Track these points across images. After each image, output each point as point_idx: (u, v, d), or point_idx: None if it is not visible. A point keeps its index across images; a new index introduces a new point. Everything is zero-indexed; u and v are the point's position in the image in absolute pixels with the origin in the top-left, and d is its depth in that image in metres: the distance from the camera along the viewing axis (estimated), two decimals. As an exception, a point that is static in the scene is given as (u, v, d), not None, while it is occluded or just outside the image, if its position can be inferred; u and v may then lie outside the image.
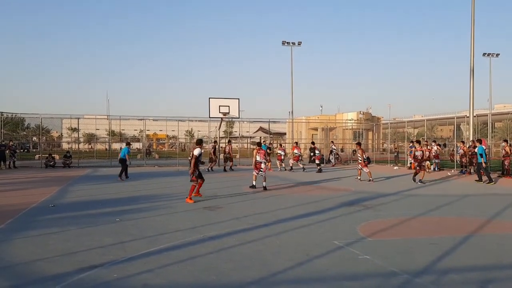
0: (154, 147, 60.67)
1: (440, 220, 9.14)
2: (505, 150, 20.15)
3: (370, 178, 17.90)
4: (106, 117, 40.68)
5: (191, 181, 11.81)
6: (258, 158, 14.67)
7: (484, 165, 17.69)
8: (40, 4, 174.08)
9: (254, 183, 14.60)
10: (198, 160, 11.87)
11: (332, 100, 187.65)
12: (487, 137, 28.51)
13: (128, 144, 19.82)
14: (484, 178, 17.54)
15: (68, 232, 7.66)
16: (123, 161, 18.57)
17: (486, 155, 18.17)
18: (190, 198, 11.46)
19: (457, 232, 7.78)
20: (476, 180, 17.87)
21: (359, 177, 18.49)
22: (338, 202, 11.55)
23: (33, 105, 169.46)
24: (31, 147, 47.01)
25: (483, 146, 18.39)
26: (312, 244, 6.79)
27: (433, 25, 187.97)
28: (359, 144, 20.03)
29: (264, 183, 14.40)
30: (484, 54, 48.81)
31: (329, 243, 6.88)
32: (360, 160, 18.61)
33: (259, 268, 5.52)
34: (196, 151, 11.76)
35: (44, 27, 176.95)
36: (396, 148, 33.39)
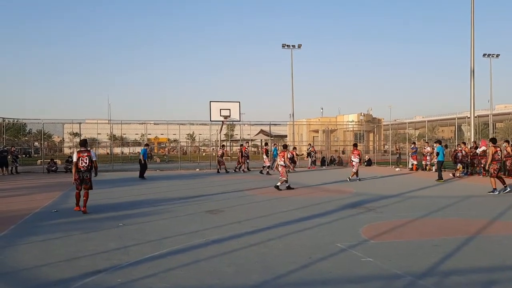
0: (156, 151, 60.67)
1: (442, 222, 9.14)
2: (506, 150, 20.12)
3: (351, 177, 18.75)
4: (107, 121, 40.72)
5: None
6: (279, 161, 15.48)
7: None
8: (42, 9, 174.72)
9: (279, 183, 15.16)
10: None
11: (333, 102, 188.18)
12: (488, 137, 28.52)
13: (146, 145, 21.90)
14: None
15: (72, 237, 7.68)
16: (141, 162, 20.73)
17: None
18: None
19: (460, 234, 7.78)
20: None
21: (358, 178, 18.97)
22: (340, 204, 11.55)
23: (35, 111, 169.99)
24: (33, 152, 47.06)
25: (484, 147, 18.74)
26: (315, 247, 6.80)
27: (434, 26, 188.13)
28: (354, 145, 20.59)
29: (279, 182, 15.07)
30: (484, 55, 48.69)
31: (332, 245, 6.88)
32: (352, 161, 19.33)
33: (262, 271, 5.53)
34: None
35: (45, 32, 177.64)
36: (397, 150, 33.38)
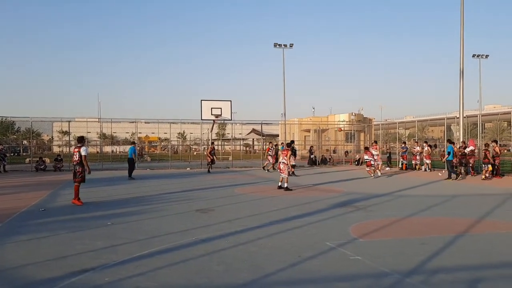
0: (146, 149, 60.40)
1: (430, 220, 9.21)
2: (495, 150, 20.36)
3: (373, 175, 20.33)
4: (97, 119, 40.43)
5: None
6: (281, 159, 15.17)
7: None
8: (29, 6, 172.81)
9: (286, 185, 14.81)
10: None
11: (324, 102, 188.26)
12: (477, 137, 28.79)
13: (133, 143, 21.52)
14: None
15: (59, 236, 7.61)
16: (131, 161, 20.37)
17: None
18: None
19: (447, 232, 7.85)
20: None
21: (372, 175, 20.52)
22: (330, 203, 11.59)
23: (24, 109, 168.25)
24: (21, 150, 46.62)
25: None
26: (304, 246, 6.81)
27: (424, 27, 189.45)
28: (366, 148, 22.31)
29: (285, 183, 14.73)
30: (473, 56, 49.23)
31: (321, 244, 6.91)
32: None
33: (251, 270, 5.53)
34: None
35: (33, 29, 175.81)
36: (388, 149, 33.57)
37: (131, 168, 20.40)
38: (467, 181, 18.15)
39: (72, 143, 33.73)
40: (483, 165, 19.27)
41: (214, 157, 25.96)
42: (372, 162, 20.71)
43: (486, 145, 20.79)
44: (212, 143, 27.82)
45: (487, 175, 19.06)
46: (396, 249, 6.65)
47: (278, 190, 14.73)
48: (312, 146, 34.19)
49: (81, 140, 11.71)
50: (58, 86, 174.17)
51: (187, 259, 6.05)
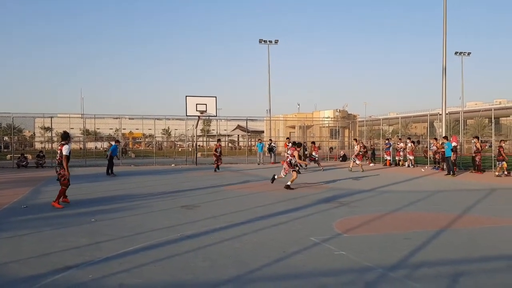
0: (130, 146, 59.88)
1: (414, 216, 9.34)
2: (476, 146, 20.71)
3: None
4: (80, 115, 39.89)
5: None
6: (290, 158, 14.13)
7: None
8: (12, 3, 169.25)
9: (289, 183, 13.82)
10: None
11: (309, 98, 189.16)
12: (459, 134, 29.24)
13: (117, 142, 21.16)
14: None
15: (42, 233, 7.51)
16: (111, 158, 20.03)
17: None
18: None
19: (430, 227, 7.97)
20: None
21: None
22: (315, 199, 11.66)
23: (4, 104, 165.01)
24: (2, 147, 45.74)
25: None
26: (289, 241, 6.85)
27: (407, 25, 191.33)
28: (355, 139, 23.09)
29: (289, 182, 13.75)
30: (456, 53, 50.02)
31: (306, 239, 6.95)
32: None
33: (236, 266, 5.54)
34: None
35: (14, 23, 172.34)
36: (372, 146, 33.88)
37: (111, 165, 20.17)
38: (450, 177, 18.40)
39: (55, 139, 33.30)
40: (498, 163, 19.01)
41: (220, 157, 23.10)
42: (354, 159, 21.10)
43: (501, 142, 20.76)
44: (219, 140, 25.16)
45: (502, 172, 18.68)
46: (380, 244, 6.72)
47: (268, 185, 14.76)
48: (304, 143, 34.43)
49: (66, 137, 10.45)
50: (40, 82, 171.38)
51: (172, 256, 6.03)
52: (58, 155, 10.45)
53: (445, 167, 21.53)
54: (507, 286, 4.88)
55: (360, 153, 22.90)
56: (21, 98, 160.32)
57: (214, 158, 22.77)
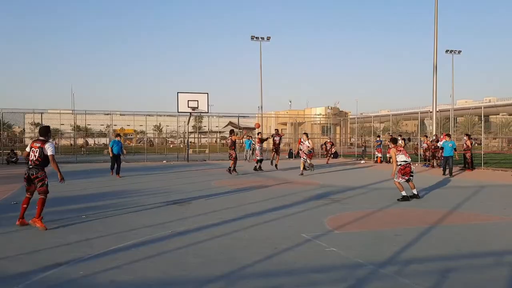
0: (122, 141, 59.51)
1: (404, 212, 9.41)
2: (466, 144, 20.90)
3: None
4: (71, 111, 39.53)
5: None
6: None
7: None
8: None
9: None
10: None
11: (301, 95, 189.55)
12: (450, 131, 29.49)
13: (118, 136, 18.25)
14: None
15: (32, 230, 7.45)
16: (118, 156, 17.40)
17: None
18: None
19: (421, 224, 8.04)
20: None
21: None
22: (306, 196, 11.70)
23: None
24: (-9, 143, 45.22)
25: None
26: (280, 238, 6.87)
27: (398, 23, 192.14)
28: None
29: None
30: (447, 51, 50.27)
31: (297, 236, 6.97)
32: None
33: (227, 262, 5.55)
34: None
35: (3, 17, 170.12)
36: (363, 143, 34.05)
37: (115, 164, 17.46)
38: (440, 174, 18.53)
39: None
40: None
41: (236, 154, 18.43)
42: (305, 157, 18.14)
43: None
44: (232, 131, 19.48)
45: None
46: (371, 240, 6.77)
47: (258, 182, 14.79)
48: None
49: (46, 133, 7.92)
50: (30, 77, 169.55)
51: (163, 252, 6.03)
52: (36, 155, 7.60)
53: (435, 164, 21.73)
54: (496, 281, 4.94)
55: (311, 151, 18.48)
56: (10, 93, 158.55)
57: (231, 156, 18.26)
